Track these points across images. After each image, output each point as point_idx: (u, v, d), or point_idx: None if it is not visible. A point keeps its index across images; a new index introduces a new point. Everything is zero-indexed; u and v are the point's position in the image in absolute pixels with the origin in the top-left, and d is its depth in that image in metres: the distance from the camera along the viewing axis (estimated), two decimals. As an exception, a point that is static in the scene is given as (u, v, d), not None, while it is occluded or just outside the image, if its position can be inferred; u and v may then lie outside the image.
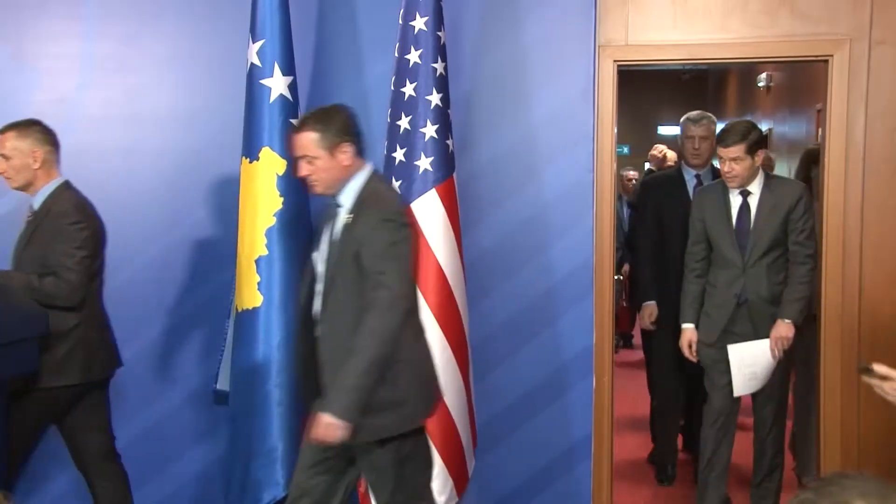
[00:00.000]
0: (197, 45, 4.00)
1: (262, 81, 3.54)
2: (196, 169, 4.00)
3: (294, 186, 3.55)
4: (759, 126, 4.34)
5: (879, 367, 2.42)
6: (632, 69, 4.22)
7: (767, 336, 3.76)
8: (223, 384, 3.74)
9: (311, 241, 3.59)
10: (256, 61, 3.55)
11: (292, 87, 3.58)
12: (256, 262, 3.52)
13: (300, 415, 3.52)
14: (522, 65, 3.88)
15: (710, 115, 4.67)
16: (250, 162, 3.56)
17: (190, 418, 4.03)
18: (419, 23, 3.55)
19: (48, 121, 3.93)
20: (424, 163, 3.54)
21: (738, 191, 3.85)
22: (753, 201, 3.86)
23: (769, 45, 3.90)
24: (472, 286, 3.76)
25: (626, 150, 12.20)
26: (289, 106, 3.57)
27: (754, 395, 3.90)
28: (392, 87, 3.60)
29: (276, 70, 3.54)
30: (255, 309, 3.51)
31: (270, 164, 3.54)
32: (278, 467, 3.49)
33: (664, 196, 4.58)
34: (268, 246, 3.51)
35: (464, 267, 3.64)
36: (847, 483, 1.29)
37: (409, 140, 3.55)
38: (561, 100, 3.88)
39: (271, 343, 3.51)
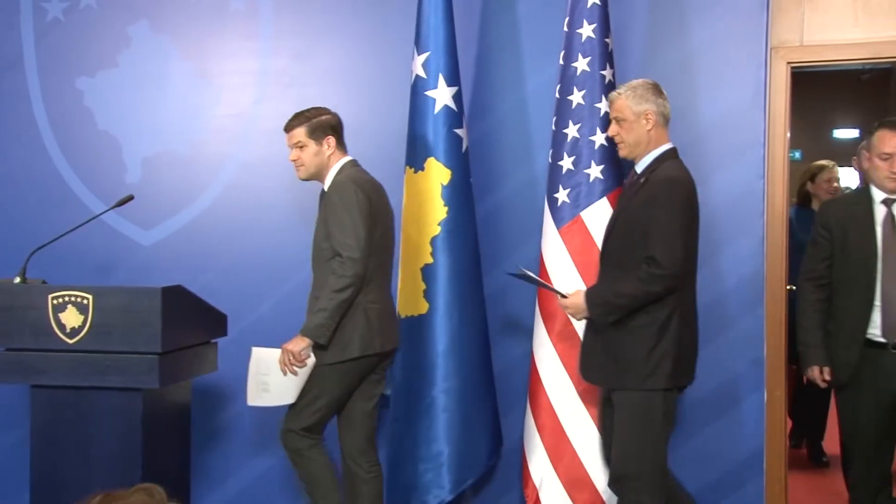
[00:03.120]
0: (364, 58, 4.12)
1: (427, 93, 3.60)
2: (365, 179, 4.10)
3: (459, 196, 3.61)
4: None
5: None
6: (805, 71, 4.03)
7: None
8: (390, 389, 3.82)
9: (476, 250, 3.65)
10: (421, 73, 3.62)
11: (457, 98, 3.63)
12: (422, 270, 3.58)
13: (465, 421, 3.58)
14: (690, 69, 3.78)
15: None
16: (415, 172, 3.63)
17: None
18: (587, 30, 3.52)
19: (227, 134, 4.18)
20: (595, 171, 3.50)
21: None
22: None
23: (964, 41, 3.64)
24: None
25: (797, 154, 11.68)
26: (453, 116, 3.62)
27: None
28: (557, 95, 3.59)
29: (441, 81, 3.59)
30: (420, 316, 3.57)
31: (436, 174, 3.60)
32: (444, 472, 3.56)
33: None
34: (433, 255, 3.57)
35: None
36: None
37: (578, 148, 3.53)
38: (730, 104, 3.75)
39: (436, 350, 3.57)
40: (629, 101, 3.17)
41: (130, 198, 3.45)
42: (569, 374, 3.50)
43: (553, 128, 3.61)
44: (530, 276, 3.28)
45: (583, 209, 3.50)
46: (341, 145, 3.44)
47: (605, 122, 3.48)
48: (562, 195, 3.53)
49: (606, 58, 3.54)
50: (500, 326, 3.88)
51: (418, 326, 3.59)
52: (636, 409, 3.09)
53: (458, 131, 3.62)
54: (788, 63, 3.79)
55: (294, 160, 3.42)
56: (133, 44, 4.28)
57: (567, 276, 3.50)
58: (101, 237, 4.16)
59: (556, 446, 3.54)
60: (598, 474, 3.47)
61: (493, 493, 3.95)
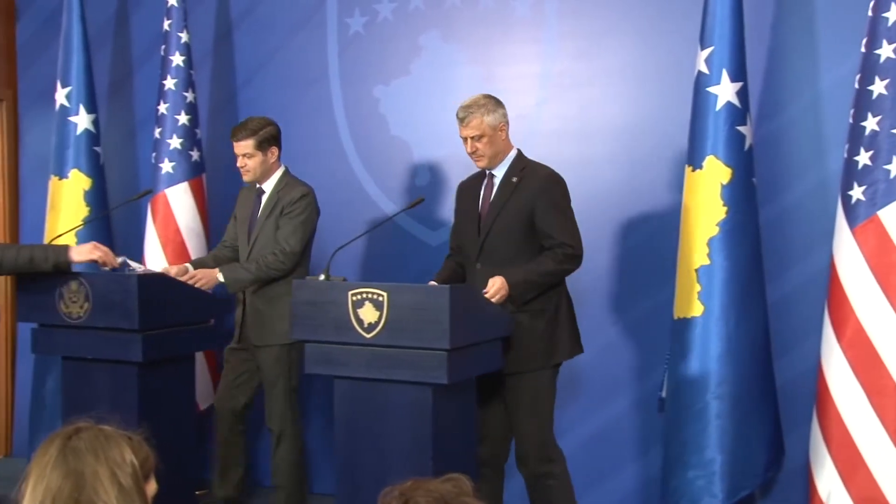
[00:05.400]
0: (645, 57, 4.08)
1: (709, 89, 3.51)
2: (644, 179, 4.07)
3: (740, 196, 3.49)
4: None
5: None
6: None
7: None
8: (665, 392, 3.78)
9: (757, 253, 3.49)
10: (704, 69, 3.53)
11: (741, 94, 3.50)
12: (697, 271, 3.49)
13: (740, 429, 3.45)
14: None
15: None
16: (694, 171, 3.54)
17: (635, 425, 4.11)
18: (894, 13, 3.24)
19: (511, 136, 4.26)
20: (896, 167, 3.23)
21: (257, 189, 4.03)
22: (264, 200, 3.99)
23: None
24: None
25: None
26: (736, 113, 3.49)
27: None
28: (857, 86, 3.34)
29: (725, 77, 3.48)
30: (694, 318, 3.49)
31: (715, 172, 3.50)
32: (717, 479, 3.46)
33: None
34: (710, 255, 3.47)
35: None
36: None
37: (878, 142, 3.26)
38: None
39: (710, 354, 3.48)
40: (486, 118, 3.44)
41: (421, 200, 3.64)
42: (861, 383, 3.25)
43: (850, 121, 3.36)
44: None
45: (880, 208, 3.23)
46: (280, 153, 4.03)
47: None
48: (856, 192, 3.29)
49: (917, 43, 3.23)
50: (785, 336, 3.71)
51: (691, 329, 3.51)
52: (539, 388, 3.43)
53: (742, 128, 3.49)
54: None
55: (241, 166, 3.97)
56: (424, 53, 4.52)
57: (861, 279, 3.25)
58: (393, 237, 4.43)
59: (847, 461, 3.30)
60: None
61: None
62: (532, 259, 3.41)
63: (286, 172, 4.05)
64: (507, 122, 3.51)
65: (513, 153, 3.55)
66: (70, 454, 1.57)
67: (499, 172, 3.53)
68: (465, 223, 3.60)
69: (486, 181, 3.57)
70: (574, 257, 3.39)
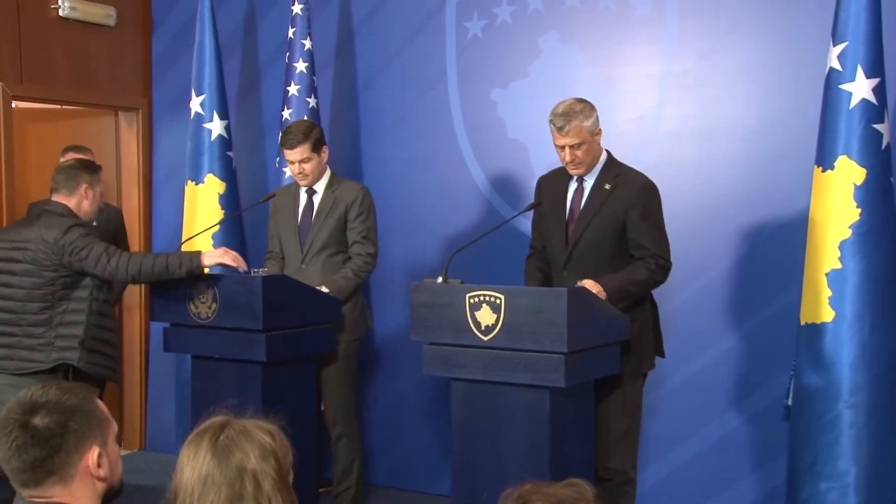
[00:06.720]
0: (768, 55, 3.98)
1: (842, 86, 3.36)
2: (767, 180, 3.96)
3: (876, 197, 3.33)
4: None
5: None
6: None
7: None
8: (791, 399, 3.66)
9: (894, 255, 3.35)
10: (837, 65, 3.38)
11: (878, 90, 3.34)
12: (827, 275, 3.35)
13: (876, 440, 3.31)
14: None
15: None
16: (824, 171, 3.41)
17: (757, 433, 3.99)
18: None
19: (629, 137, 4.21)
20: None
21: (306, 189, 4.09)
22: (317, 201, 4.02)
23: None
24: None
25: None
26: (872, 110, 3.33)
27: None
28: None
29: (859, 73, 3.33)
30: (824, 324, 3.36)
31: (848, 173, 3.34)
32: (851, 492, 3.31)
33: None
34: (841, 259, 3.33)
35: None
36: None
37: None
38: None
39: (843, 361, 3.33)
40: (585, 124, 3.32)
41: (539, 203, 3.62)
42: None
43: None
44: None
45: None
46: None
47: None
48: None
49: None
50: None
51: (821, 335, 3.36)
52: (638, 394, 3.44)
53: (878, 127, 3.33)
54: None
55: (299, 172, 3.99)
56: (542, 55, 4.50)
57: None
58: (508, 239, 4.41)
59: None
60: None
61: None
62: (622, 268, 3.36)
63: (333, 172, 4.14)
64: (600, 127, 3.44)
65: (604, 157, 3.48)
66: (221, 447, 1.64)
67: (590, 178, 3.47)
68: (551, 226, 3.56)
69: (574, 184, 3.51)
70: (666, 269, 3.38)
